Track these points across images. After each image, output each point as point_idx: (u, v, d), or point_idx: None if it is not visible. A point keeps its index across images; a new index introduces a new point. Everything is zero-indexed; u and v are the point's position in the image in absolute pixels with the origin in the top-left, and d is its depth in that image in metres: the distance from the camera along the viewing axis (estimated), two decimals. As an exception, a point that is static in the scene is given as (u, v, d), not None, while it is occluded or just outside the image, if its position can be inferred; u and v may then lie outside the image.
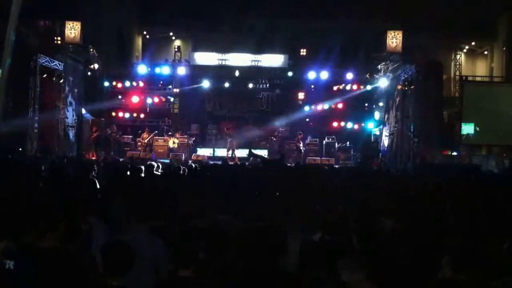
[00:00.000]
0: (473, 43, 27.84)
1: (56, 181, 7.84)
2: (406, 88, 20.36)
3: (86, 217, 4.70)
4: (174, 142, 22.04)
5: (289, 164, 15.79)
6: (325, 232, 4.51)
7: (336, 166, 18.52)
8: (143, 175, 9.70)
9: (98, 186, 7.96)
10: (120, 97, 23.94)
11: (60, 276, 2.94)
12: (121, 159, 18.57)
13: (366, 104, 24.06)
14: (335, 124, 23.88)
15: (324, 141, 22.94)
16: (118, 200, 5.57)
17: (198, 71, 23.59)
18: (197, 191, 7.11)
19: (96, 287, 3.25)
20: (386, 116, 21.91)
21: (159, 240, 4.24)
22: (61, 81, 20.27)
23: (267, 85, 23.96)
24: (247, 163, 16.02)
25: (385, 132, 21.87)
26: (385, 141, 21.76)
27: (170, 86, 24.46)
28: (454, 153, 20.90)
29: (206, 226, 4.35)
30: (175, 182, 8.76)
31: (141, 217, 4.62)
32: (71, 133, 21.20)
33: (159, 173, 10.64)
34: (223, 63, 23.37)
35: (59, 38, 21.15)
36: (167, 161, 18.52)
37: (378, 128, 23.36)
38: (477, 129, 20.62)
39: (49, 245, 3.51)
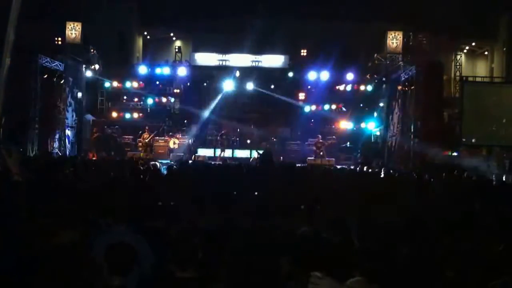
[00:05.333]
0: (473, 44, 27.83)
1: (55, 181, 7.83)
2: (406, 88, 20.36)
3: (88, 217, 4.72)
4: (174, 143, 22.05)
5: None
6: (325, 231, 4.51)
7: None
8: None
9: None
10: (120, 97, 23.95)
11: (61, 274, 2.95)
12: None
13: (364, 105, 24.03)
14: (335, 124, 23.87)
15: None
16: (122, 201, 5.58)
17: (199, 72, 23.61)
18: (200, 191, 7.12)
19: (95, 286, 3.27)
20: (390, 117, 21.89)
21: (142, 238, 4.21)
22: (62, 81, 20.29)
23: (268, 85, 23.97)
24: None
25: (390, 133, 21.83)
26: (390, 143, 21.70)
27: (171, 87, 24.50)
28: (454, 153, 20.88)
29: (205, 226, 4.36)
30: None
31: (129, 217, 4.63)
32: (71, 134, 21.23)
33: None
34: (224, 63, 23.40)
35: (59, 39, 21.20)
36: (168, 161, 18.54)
37: (378, 128, 23.35)
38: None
39: (60, 242, 3.52)
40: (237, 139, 23.42)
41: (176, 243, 3.72)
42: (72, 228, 3.90)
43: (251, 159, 20.60)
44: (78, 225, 4.07)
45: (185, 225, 4.36)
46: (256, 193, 7.63)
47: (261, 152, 18.23)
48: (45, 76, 19.25)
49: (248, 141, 23.34)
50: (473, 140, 20.97)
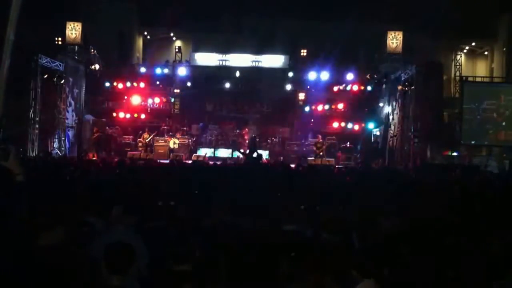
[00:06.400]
0: (473, 44, 27.84)
1: (55, 181, 7.84)
2: (406, 88, 20.37)
3: (86, 217, 4.71)
4: (174, 143, 22.06)
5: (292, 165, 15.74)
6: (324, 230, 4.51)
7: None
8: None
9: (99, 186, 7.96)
10: (120, 97, 23.97)
11: (57, 275, 2.95)
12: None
13: (364, 105, 24.01)
14: (335, 124, 23.87)
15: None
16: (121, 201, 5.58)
17: (199, 72, 23.62)
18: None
19: (94, 286, 3.27)
20: (390, 117, 21.91)
21: (139, 237, 4.22)
22: (62, 81, 20.30)
23: (268, 85, 23.96)
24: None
25: (390, 133, 21.82)
26: (390, 142, 21.69)
27: (171, 87, 24.52)
28: (454, 153, 20.90)
29: (205, 226, 4.36)
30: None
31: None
32: (71, 134, 21.24)
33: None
34: (224, 63, 23.40)
35: (60, 39, 21.20)
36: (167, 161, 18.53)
37: (378, 128, 23.35)
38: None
39: (46, 243, 3.52)
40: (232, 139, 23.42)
41: (174, 241, 3.73)
42: (65, 227, 3.90)
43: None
44: (72, 225, 4.08)
45: (183, 224, 4.36)
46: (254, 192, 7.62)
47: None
48: (45, 76, 19.25)
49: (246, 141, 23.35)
50: (472, 141, 20.99)
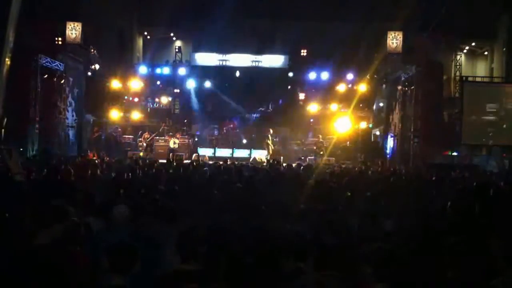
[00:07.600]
0: (473, 44, 27.82)
1: (52, 181, 7.84)
2: (406, 88, 20.37)
3: (84, 217, 4.72)
4: (174, 143, 22.07)
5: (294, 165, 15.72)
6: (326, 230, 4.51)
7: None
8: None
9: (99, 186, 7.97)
10: (121, 97, 23.97)
11: (52, 274, 2.96)
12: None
13: (364, 105, 23.99)
14: (335, 124, 23.83)
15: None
16: (121, 201, 5.59)
17: (199, 72, 23.63)
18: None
19: (90, 286, 3.27)
20: (390, 117, 21.90)
21: (140, 237, 4.24)
22: (62, 81, 20.30)
23: (268, 85, 23.97)
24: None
25: (390, 133, 21.82)
26: (391, 142, 21.68)
27: (171, 87, 24.51)
28: (454, 153, 20.89)
29: (207, 226, 4.36)
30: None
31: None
32: (71, 134, 21.24)
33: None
34: (224, 63, 23.42)
35: (60, 39, 21.18)
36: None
37: (378, 128, 23.35)
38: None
39: (41, 242, 3.53)
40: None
41: (179, 241, 3.74)
42: (63, 226, 3.91)
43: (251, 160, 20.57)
44: (70, 224, 4.08)
45: (188, 224, 4.37)
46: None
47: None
48: (45, 76, 19.24)
49: (245, 141, 23.35)
50: (473, 140, 20.99)
